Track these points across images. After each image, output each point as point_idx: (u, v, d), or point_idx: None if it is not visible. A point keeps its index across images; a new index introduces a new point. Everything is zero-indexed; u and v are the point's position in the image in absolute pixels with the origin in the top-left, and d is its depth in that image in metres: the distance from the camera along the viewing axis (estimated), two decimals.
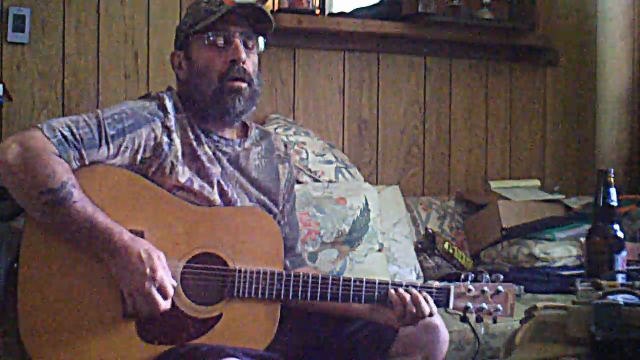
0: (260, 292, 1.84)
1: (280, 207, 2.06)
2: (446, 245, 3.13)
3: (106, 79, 2.96)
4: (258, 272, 1.84)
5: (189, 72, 1.96)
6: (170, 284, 1.75)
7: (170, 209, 1.83)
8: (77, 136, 1.76)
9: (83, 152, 1.77)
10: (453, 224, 3.34)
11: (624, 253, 2.31)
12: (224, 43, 1.92)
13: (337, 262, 2.69)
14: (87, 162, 1.78)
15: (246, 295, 1.84)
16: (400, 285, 1.89)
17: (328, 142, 3.10)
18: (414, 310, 1.85)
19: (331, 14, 3.31)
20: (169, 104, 1.92)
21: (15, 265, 1.81)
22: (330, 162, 2.96)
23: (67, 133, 1.75)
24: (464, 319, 1.93)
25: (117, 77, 2.97)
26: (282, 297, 1.86)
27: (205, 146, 1.94)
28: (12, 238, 2.17)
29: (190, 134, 1.92)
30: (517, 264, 3.10)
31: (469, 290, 1.92)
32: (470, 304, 1.92)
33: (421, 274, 3.03)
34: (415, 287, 1.89)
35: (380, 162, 3.44)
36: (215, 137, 1.97)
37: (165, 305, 1.74)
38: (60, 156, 1.73)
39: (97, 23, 2.94)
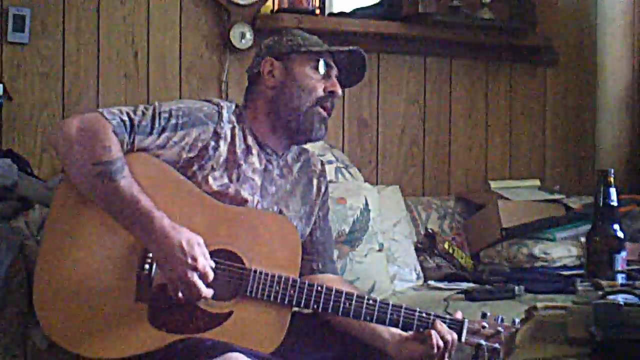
0: (272, 295, 1.85)
1: (315, 217, 2.10)
2: (446, 245, 3.14)
3: (106, 79, 2.96)
4: (273, 276, 1.85)
5: (285, 82, 2.01)
6: (211, 270, 1.77)
7: (194, 203, 1.86)
8: (135, 121, 1.83)
9: (135, 137, 1.83)
10: (453, 224, 3.34)
11: (624, 253, 2.31)
12: (324, 75, 2.02)
13: (337, 262, 2.69)
14: (135, 149, 1.84)
15: (258, 296, 1.85)
16: (415, 311, 1.90)
17: (328, 142, 3.10)
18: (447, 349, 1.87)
19: (331, 14, 3.31)
20: (226, 113, 1.96)
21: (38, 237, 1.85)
22: (330, 162, 2.96)
23: (125, 118, 1.83)
24: (476, 357, 1.91)
25: (117, 77, 2.97)
26: (294, 304, 1.88)
27: (255, 157, 1.97)
28: (12, 238, 2.17)
29: (239, 143, 1.96)
30: (517, 264, 3.10)
31: (483, 327, 1.92)
32: (483, 342, 1.91)
33: (421, 274, 3.03)
34: (428, 314, 1.90)
35: (380, 162, 3.44)
36: (269, 150, 2.02)
37: (207, 292, 1.76)
38: (115, 134, 1.80)
39: (97, 23, 2.94)
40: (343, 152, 3.26)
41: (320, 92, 2.00)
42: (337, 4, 3.40)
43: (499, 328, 1.92)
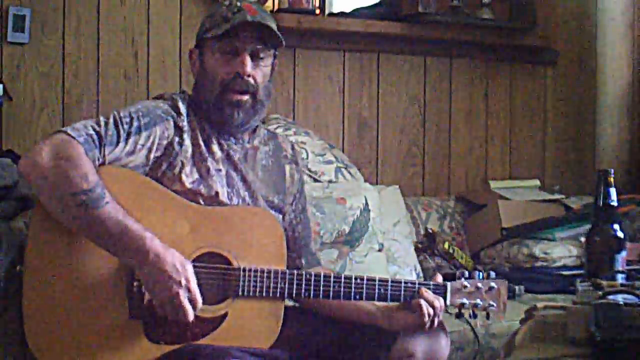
0: (264, 290, 1.85)
1: (293, 207, 2.08)
2: (446, 245, 3.13)
3: (106, 79, 2.95)
4: (262, 271, 1.85)
5: (199, 73, 1.99)
6: (200, 297, 1.76)
7: (174, 209, 1.84)
8: (101, 133, 1.79)
9: (105, 150, 1.79)
10: (453, 224, 3.34)
11: (624, 253, 2.31)
12: (233, 54, 1.93)
13: (337, 262, 2.69)
14: (107, 161, 1.80)
15: (251, 294, 1.84)
16: (400, 283, 1.92)
17: (328, 142, 3.10)
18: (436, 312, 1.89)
19: (331, 14, 3.31)
20: (181, 106, 1.94)
21: (18, 267, 1.81)
22: (330, 162, 2.96)
23: (91, 132, 1.78)
24: (459, 315, 1.97)
25: (117, 77, 2.97)
26: (286, 295, 1.88)
27: (216, 146, 1.95)
28: (12, 238, 2.17)
29: (200, 134, 1.94)
30: (517, 264, 3.10)
31: (465, 286, 1.96)
32: (466, 300, 1.95)
33: (421, 274, 3.03)
34: (413, 283, 1.92)
35: (380, 162, 3.44)
36: (227, 136, 1.98)
37: (192, 315, 1.75)
38: (87, 155, 1.75)
39: (97, 23, 2.94)
40: (343, 152, 3.26)
41: (224, 77, 1.92)
42: (337, 4, 3.40)
43: (479, 284, 1.97)
